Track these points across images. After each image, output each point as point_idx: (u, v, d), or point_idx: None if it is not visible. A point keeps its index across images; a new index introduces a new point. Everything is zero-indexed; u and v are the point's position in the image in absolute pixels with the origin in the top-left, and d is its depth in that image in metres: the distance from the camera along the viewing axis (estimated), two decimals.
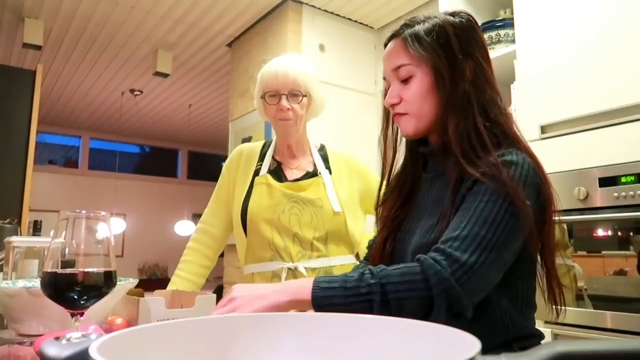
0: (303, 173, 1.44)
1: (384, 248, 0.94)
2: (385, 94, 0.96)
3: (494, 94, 0.88)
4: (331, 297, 0.73)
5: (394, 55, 0.90)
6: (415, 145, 0.97)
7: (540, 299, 0.86)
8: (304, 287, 0.75)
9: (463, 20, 0.89)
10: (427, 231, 0.84)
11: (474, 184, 0.79)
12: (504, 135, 0.85)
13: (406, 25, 0.90)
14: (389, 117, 0.98)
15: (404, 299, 0.71)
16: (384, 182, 1.01)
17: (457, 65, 0.85)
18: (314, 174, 1.44)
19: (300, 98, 1.39)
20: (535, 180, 0.79)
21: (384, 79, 0.94)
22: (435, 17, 0.89)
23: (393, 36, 0.92)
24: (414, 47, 0.86)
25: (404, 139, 0.98)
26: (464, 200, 0.80)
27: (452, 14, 0.90)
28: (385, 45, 0.93)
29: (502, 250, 0.74)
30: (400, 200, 0.97)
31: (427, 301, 0.71)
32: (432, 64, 0.85)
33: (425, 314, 0.71)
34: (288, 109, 1.37)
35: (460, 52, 0.85)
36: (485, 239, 0.73)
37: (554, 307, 0.84)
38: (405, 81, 0.89)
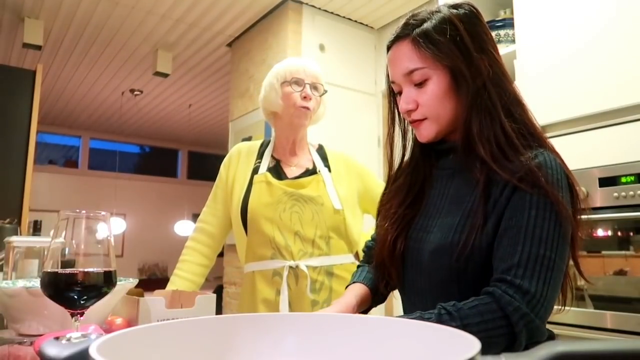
0: (302, 170, 1.45)
1: (395, 248, 0.90)
2: (392, 98, 0.92)
3: (513, 89, 0.84)
4: None
5: (405, 58, 0.84)
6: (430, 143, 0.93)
7: None
8: None
9: (467, 12, 0.84)
10: (449, 230, 0.81)
11: (512, 191, 0.76)
12: (531, 135, 0.82)
13: (412, 25, 0.84)
14: (393, 120, 0.94)
15: (487, 338, 0.70)
16: (390, 185, 0.98)
17: (474, 63, 0.81)
18: (313, 171, 1.44)
19: (320, 93, 1.45)
20: (567, 181, 0.78)
21: (393, 82, 0.88)
22: (440, 11, 0.84)
23: (399, 37, 0.85)
24: (428, 48, 0.81)
25: (410, 139, 0.95)
26: (503, 210, 0.77)
27: (455, 7, 0.85)
28: (389, 47, 0.88)
29: (560, 263, 0.73)
30: (410, 198, 0.93)
31: (510, 336, 0.71)
32: (450, 64, 0.81)
33: (506, 347, 0.71)
34: (311, 98, 1.41)
35: (474, 49, 0.81)
36: (545, 258, 0.72)
37: (561, 306, 0.83)
38: (420, 85, 0.84)
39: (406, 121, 0.94)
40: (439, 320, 0.71)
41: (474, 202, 0.80)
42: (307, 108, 1.40)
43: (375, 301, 1.02)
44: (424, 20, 0.84)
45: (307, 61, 1.47)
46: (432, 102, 0.83)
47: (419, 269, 0.86)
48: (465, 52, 0.81)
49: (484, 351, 0.71)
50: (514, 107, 0.83)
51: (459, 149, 0.84)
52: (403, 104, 0.86)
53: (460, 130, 0.84)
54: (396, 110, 0.94)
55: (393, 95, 0.93)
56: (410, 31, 0.84)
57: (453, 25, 0.82)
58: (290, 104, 1.41)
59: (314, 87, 1.43)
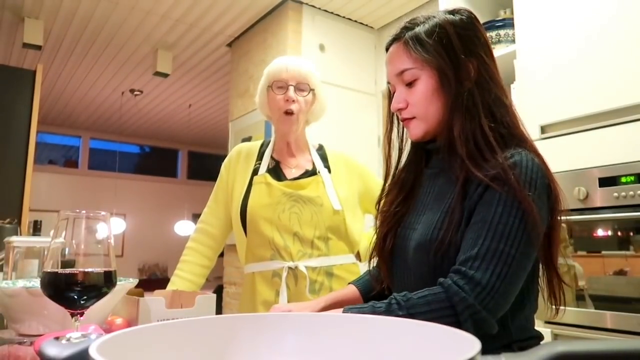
0: (302, 172, 1.45)
1: (384, 244, 0.94)
2: (390, 98, 0.95)
3: (500, 92, 0.87)
4: None
5: (397, 59, 0.89)
6: (421, 141, 0.96)
7: (539, 298, 0.86)
8: None
9: (463, 17, 0.88)
10: (429, 227, 0.84)
11: (485, 190, 0.78)
12: (511, 135, 0.84)
13: (406, 28, 0.89)
14: (392, 119, 0.97)
15: None
16: (388, 182, 1.00)
17: (461, 66, 0.84)
18: (312, 172, 1.44)
19: (307, 92, 1.41)
20: (544, 181, 0.79)
21: (388, 83, 0.93)
22: (435, 17, 0.88)
23: (394, 40, 0.91)
24: (416, 50, 0.85)
25: (409, 140, 0.98)
26: (475, 207, 0.79)
27: (452, 12, 0.89)
28: (387, 48, 0.93)
29: (521, 260, 0.74)
30: (401, 195, 0.96)
31: (455, 326, 0.71)
32: (435, 66, 0.85)
33: None
34: (294, 100, 1.38)
35: (462, 52, 0.85)
36: (504, 253, 0.73)
37: (553, 306, 0.84)
38: (410, 85, 0.88)
39: (401, 128, 0.98)
40: (388, 309, 0.74)
41: (452, 199, 0.83)
42: (291, 112, 1.39)
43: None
44: (417, 24, 0.88)
45: (291, 60, 1.43)
46: (420, 102, 0.87)
47: (405, 265, 0.89)
48: (452, 55, 0.85)
49: None
50: (497, 109, 0.85)
51: (442, 148, 0.88)
52: (394, 102, 0.91)
53: (443, 130, 0.87)
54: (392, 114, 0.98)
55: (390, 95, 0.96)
56: (404, 34, 0.89)
57: (443, 29, 0.86)
58: (275, 109, 1.41)
59: (299, 87, 1.40)
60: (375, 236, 0.99)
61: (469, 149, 0.81)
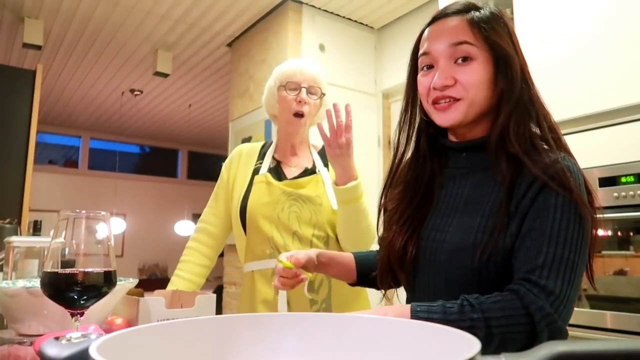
0: (302, 170, 1.45)
1: (406, 252, 0.88)
2: (414, 74, 0.89)
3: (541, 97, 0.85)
4: None
5: (457, 30, 0.82)
6: (439, 139, 0.91)
7: None
8: (401, 314, 0.73)
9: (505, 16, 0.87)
10: (470, 230, 0.80)
11: (538, 191, 0.76)
12: (559, 140, 0.83)
13: (466, 7, 0.84)
14: (408, 103, 0.92)
15: (507, 334, 0.70)
16: (391, 175, 0.96)
17: (520, 59, 0.83)
18: (312, 171, 1.44)
19: (317, 97, 1.43)
20: (587, 187, 0.78)
21: (426, 54, 0.84)
22: (489, 7, 0.85)
23: (451, 13, 0.84)
24: (486, 30, 0.80)
25: (414, 136, 0.93)
26: (527, 210, 0.76)
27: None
28: (433, 22, 0.86)
29: (581, 265, 0.74)
30: (418, 198, 0.91)
31: (529, 334, 0.71)
32: (500, 52, 0.81)
33: (525, 345, 0.71)
34: (306, 102, 1.40)
35: (518, 46, 0.84)
36: (569, 260, 0.72)
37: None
38: (461, 62, 0.81)
39: (417, 115, 0.92)
40: (461, 310, 0.71)
41: (494, 202, 0.80)
42: (301, 114, 1.40)
43: (362, 283, 1.07)
44: (477, 7, 0.84)
45: (306, 63, 1.45)
46: (474, 84, 0.81)
47: (433, 269, 0.85)
48: (515, 46, 0.83)
49: (502, 347, 0.70)
50: (546, 112, 0.84)
51: (491, 144, 0.82)
52: (440, 79, 0.81)
53: (494, 125, 0.83)
54: (412, 96, 0.92)
55: (414, 77, 0.90)
56: (466, 11, 0.84)
57: (504, 20, 0.84)
58: (285, 108, 1.42)
59: (311, 90, 1.42)
60: (388, 243, 0.92)
61: (526, 146, 0.79)
